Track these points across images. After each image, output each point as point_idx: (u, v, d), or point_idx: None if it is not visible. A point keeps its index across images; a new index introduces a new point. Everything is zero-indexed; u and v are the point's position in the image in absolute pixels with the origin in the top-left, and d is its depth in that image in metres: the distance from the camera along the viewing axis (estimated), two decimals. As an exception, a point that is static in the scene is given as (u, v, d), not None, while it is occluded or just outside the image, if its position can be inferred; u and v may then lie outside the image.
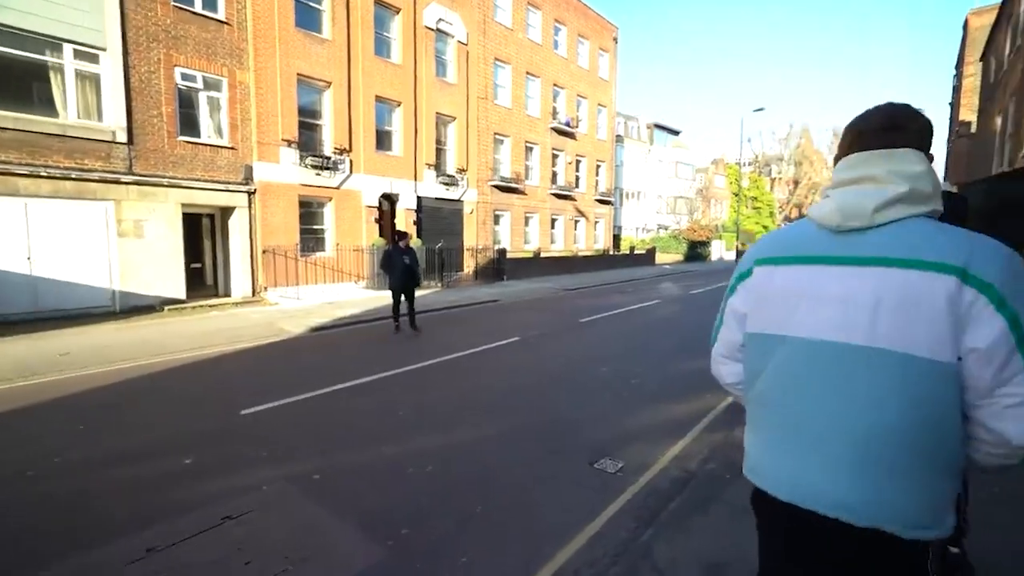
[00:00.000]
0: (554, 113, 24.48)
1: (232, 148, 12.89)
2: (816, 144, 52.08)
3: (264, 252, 13.51)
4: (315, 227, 15.15)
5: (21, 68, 9.90)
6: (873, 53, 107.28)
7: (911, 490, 1.01)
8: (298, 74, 14.09)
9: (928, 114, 1.17)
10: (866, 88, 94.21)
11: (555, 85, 24.48)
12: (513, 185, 22.00)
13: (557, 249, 25.57)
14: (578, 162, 26.80)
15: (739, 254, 36.15)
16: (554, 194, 24.91)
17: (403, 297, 8.99)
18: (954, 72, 29.75)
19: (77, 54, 10.37)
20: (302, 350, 7.91)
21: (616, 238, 32.31)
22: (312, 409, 5.07)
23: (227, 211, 13.23)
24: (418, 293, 9.40)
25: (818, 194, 52.84)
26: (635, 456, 3.91)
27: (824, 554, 1.12)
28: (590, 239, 28.37)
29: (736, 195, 41.86)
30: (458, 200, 19.72)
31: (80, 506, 3.25)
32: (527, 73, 22.73)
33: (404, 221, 17.35)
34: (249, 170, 13.24)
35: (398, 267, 8.80)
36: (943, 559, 1.05)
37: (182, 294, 12.00)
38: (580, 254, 25.74)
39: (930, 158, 1.14)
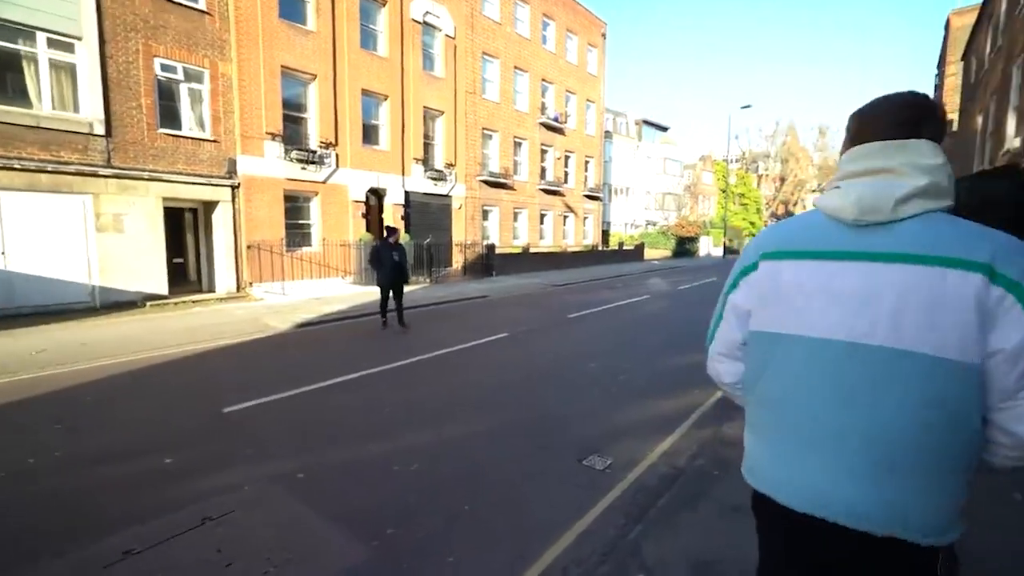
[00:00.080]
0: (543, 108, 24.40)
1: (215, 141, 12.63)
2: (802, 141, 52.74)
3: (249, 247, 13.29)
4: (301, 222, 14.94)
5: (-7, 57, 9.59)
6: (857, 51, 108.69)
7: (931, 495, 0.98)
8: (282, 66, 13.84)
9: None
10: (849, 87, 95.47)
11: (544, 80, 24.39)
12: (502, 180, 21.91)
13: (546, 245, 25.56)
14: (567, 158, 26.77)
15: (727, 250, 36.53)
16: (543, 190, 24.87)
17: (391, 293, 8.90)
18: (936, 71, 30.25)
19: (51, 43, 10.06)
20: (288, 346, 7.79)
21: (605, 234, 32.39)
22: (297, 406, 4.98)
23: (210, 205, 12.98)
24: (406, 289, 9.32)
25: (804, 191, 53.75)
26: (624, 452, 3.90)
27: (828, 558, 1.09)
28: (579, 235, 28.40)
29: (724, 192, 42.21)
30: (446, 195, 19.59)
31: (53, 509, 3.15)
32: (515, 68, 22.60)
33: (392, 216, 17.19)
34: (233, 164, 12.99)
35: (387, 263, 8.69)
36: (949, 560, 1.03)
37: (164, 290, 11.76)
38: (569, 250, 25.76)
39: None
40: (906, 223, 1.01)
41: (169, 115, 11.91)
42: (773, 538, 1.22)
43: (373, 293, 10.12)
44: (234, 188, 13.03)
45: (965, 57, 21.89)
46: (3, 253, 9.59)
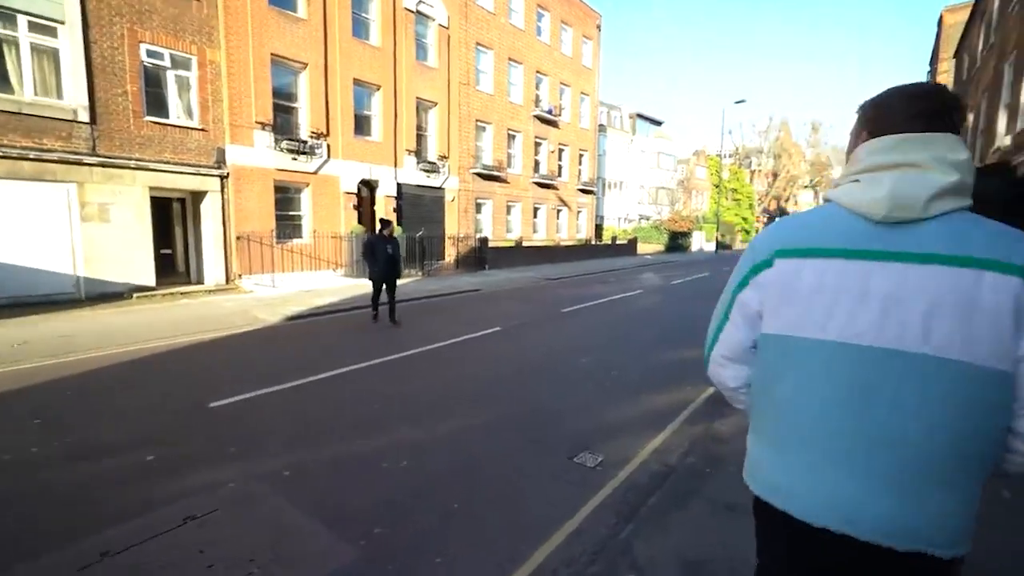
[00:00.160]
0: (537, 100, 24.23)
1: (203, 130, 12.39)
2: (795, 137, 52.91)
3: (238, 238, 13.10)
4: (292, 213, 14.75)
5: (-29, 40, 9.32)
6: (850, 48, 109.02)
7: (960, 505, 0.94)
8: (272, 54, 13.59)
9: None
10: (842, 83, 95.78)
11: (538, 72, 24.20)
12: (495, 173, 21.77)
13: (539, 238, 25.49)
14: (561, 151, 26.65)
15: (719, 245, 36.63)
16: (536, 183, 24.76)
17: (384, 288, 8.79)
18: (928, 68, 30.35)
19: (32, 27, 9.79)
20: (277, 339, 7.69)
21: (598, 228, 32.37)
22: (285, 401, 4.90)
23: (199, 195, 12.76)
24: (399, 282, 9.21)
25: (796, 187, 54.00)
26: (615, 449, 3.87)
27: (832, 563, 1.04)
28: (572, 228, 28.34)
29: (717, 187, 42.30)
30: (439, 187, 19.43)
31: (30, 508, 3.06)
32: (510, 59, 22.39)
33: (384, 208, 17.03)
34: (221, 153, 12.77)
35: (381, 257, 8.54)
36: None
37: (152, 281, 11.57)
38: (562, 243, 25.72)
39: None
40: (934, 222, 0.95)
41: (156, 103, 11.66)
42: (775, 543, 1.17)
43: (364, 286, 10.01)
44: (223, 178, 12.81)
45: (957, 54, 21.97)
46: (-16, 243, 9.37)
